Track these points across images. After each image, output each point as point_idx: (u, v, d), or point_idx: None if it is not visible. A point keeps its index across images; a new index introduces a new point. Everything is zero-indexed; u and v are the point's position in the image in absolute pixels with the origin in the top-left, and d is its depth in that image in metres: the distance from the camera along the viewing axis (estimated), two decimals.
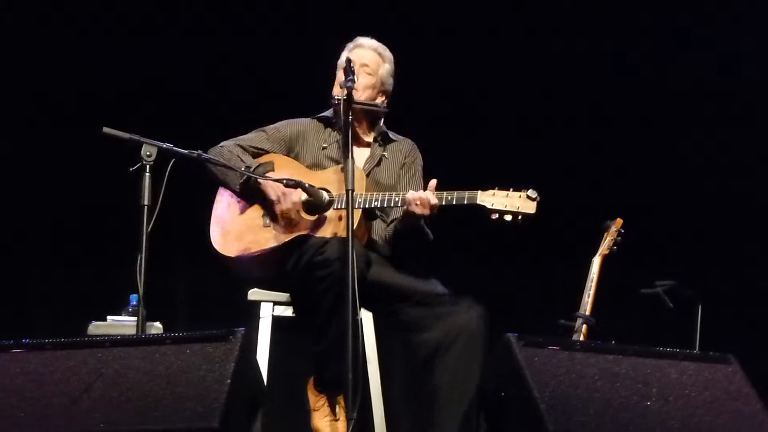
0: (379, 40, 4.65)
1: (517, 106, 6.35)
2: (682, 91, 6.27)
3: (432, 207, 4.12)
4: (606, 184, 6.22)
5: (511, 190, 4.10)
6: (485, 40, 6.31)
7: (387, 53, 4.63)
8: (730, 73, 6.25)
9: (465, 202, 4.13)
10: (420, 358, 4.17)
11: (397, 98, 4.65)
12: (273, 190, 4.28)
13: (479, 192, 4.11)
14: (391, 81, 4.61)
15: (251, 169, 4.29)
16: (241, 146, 4.43)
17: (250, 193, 4.35)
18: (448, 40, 6.30)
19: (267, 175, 4.30)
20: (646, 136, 6.32)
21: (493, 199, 4.09)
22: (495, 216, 4.08)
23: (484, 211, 4.10)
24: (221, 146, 4.42)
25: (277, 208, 4.27)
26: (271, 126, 4.58)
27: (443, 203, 4.13)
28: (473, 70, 6.32)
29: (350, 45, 4.63)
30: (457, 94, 6.36)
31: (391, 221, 4.45)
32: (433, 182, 4.17)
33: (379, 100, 4.58)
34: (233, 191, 4.38)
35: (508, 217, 4.08)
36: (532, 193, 4.08)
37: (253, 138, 4.51)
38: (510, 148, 6.19)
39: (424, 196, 4.11)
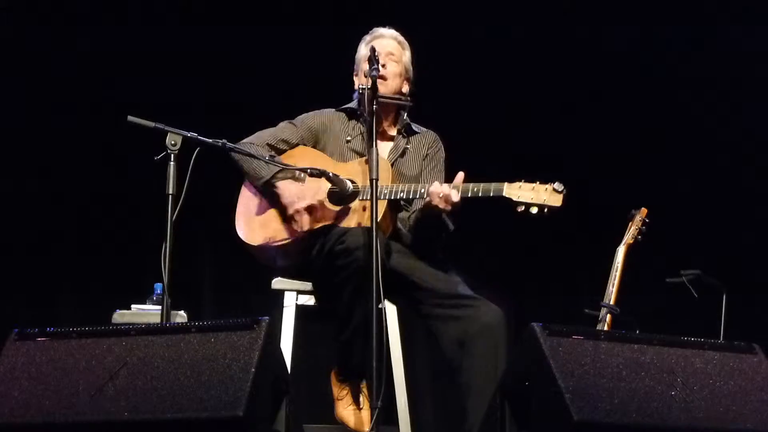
0: (401, 31, 4.66)
1: (541, 96, 6.34)
2: (711, 78, 6.24)
3: (454, 204, 4.11)
4: (631, 173, 6.20)
5: (538, 182, 4.07)
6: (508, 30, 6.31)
7: (405, 41, 4.64)
8: None
9: (491, 194, 4.10)
10: (443, 349, 4.17)
11: (424, 90, 4.65)
12: (288, 193, 4.28)
13: (505, 184, 4.08)
14: (411, 68, 4.62)
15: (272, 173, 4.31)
16: (270, 145, 4.44)
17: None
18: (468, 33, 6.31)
19: (292, 164, 4.31)
20: (672, 126, 6.29)
21: (519, 192, 4.07)
22: (521, 209, 4.06)
23: (509, 204, 4.08)
24: (250, 144, 4.41)
25: (295, 207, 4.25)
26: (298, 118, 4.58)
27: (469, 195, 4.11)
28: (498, 62, 6.31)
29: (367, 37, 4.63)
30: (482, 87, 6.34)
31: (413, 212, 4.44)
32: (461, 175, 4.15)
33: (405, 87, 4.58)
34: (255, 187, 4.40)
35: (534, 210, 4.05)
36: (558, 186, 4.05)
37: (281, 130, 4.52)
38: (536, 136, 6.18)
39: (447, 192, 4.10)
